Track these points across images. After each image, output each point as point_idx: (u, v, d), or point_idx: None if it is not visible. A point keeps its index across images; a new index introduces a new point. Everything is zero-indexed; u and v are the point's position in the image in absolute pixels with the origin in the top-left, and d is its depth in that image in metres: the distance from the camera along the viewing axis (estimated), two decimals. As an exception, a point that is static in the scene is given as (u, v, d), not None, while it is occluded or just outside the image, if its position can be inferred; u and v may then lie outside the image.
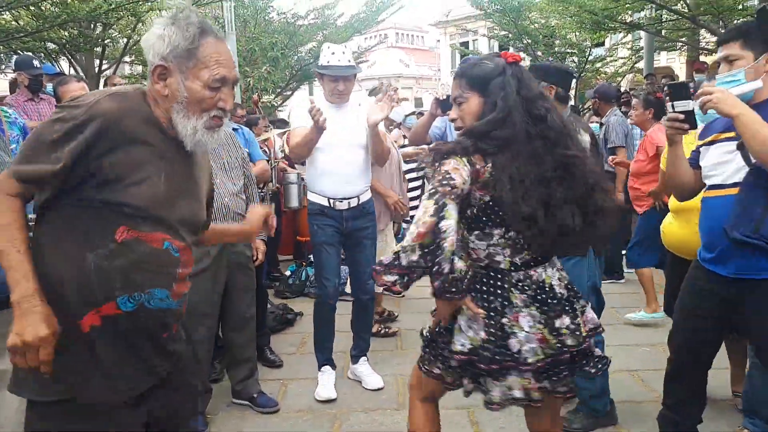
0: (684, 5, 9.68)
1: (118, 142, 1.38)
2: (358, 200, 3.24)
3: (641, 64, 12.76)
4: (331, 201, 3.20)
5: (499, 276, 1.73)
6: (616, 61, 14.90)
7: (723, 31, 6.31)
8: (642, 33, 11.97)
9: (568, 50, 13.87)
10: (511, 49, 9.65)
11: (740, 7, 9.09)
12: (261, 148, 4.22)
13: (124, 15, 8.81)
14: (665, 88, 3.81)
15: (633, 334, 4.10)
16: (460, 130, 1.79)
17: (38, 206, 1.45)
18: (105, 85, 6.69)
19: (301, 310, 4.63)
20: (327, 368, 3.36)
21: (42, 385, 1.39)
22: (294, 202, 5.21)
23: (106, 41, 9.87)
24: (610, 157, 4.86)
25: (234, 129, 3.47)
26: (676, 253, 3.10)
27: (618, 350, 3.67)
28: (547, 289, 1.74)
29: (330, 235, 3.23)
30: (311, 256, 4.31)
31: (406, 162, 4.45)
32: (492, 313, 1.70)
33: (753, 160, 1.92)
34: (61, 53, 9.80)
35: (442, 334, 1.81)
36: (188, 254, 1.53)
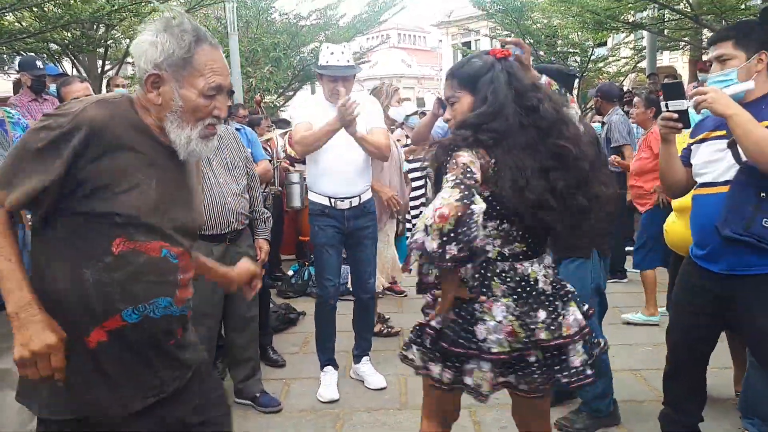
0: (686, 5, 9.65)
1: (105, 149, 1.36)
2: (360, 200, 3.25)
3: (644, 64, 12.72)
4: (333, 200, 3.21)
5: (484, 264, 1.71)
6: (618, 60, 14.85)
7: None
8: (644, 33, 11.93)
9: (571, 50, 13.83)
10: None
11: (743, 6, 9.06)
12: (264, 148, 4.23)
13: (127, 16, 8.82)
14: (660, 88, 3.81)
15: (635, 334, 4.10)
16: None
17: (33, 226, 1.44)
18: (108, 85, 6.70)
19: (303, 309, 4.64)
20: (329, 368, 3.36)
21: (53, 402, 1.38)
22: (296, 202, 5.23)
23: (108, 42, 9.87)
24: (612, 157, 4.86)
25: (237, 129, 3.47)
26: (680, 252, 3.10)
27: (620, 350, 3.67)
28: (531, 282, 1.72)
29: (331, 235, 3.23)
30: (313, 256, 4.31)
31: (408, 162, 4.45)
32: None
33: (743, 159, 1.94)
34: (64, 54, 9.81)
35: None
36: (187, 259, 1.52)
